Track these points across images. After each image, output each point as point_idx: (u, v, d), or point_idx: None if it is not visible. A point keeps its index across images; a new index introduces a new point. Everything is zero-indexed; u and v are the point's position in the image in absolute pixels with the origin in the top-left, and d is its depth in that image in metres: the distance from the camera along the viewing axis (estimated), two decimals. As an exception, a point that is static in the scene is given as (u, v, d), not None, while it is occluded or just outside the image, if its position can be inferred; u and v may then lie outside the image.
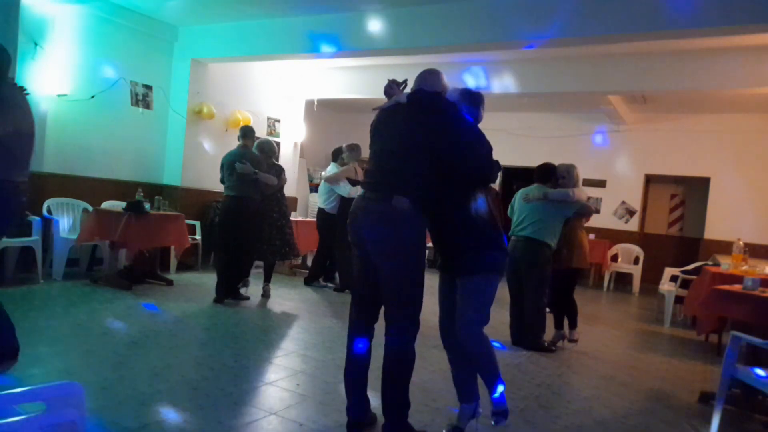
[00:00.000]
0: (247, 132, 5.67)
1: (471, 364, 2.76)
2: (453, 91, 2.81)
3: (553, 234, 4.68)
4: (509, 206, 5.07)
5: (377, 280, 2.63)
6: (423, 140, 2.55)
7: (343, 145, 6.71)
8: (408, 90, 2.88)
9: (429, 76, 2.77)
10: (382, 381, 2.61)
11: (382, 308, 2.71)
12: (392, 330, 2.60)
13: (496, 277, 2.74)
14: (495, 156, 2.72)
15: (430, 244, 2.87)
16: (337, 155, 6.77)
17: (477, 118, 2.79)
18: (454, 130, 2.59)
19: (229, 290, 5.54)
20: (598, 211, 4.95)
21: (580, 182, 4.95)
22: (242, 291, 5.73)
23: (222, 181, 5.60)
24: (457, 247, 2.71)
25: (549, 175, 4.85)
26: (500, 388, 2.71)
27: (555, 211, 4.68)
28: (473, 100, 2.82)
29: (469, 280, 2.68)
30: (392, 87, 2.88)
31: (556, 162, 5.00)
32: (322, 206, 6.72)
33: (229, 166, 5.45)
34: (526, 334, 4.80)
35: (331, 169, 6.67)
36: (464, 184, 2.68)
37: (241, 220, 5.44)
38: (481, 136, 2.67)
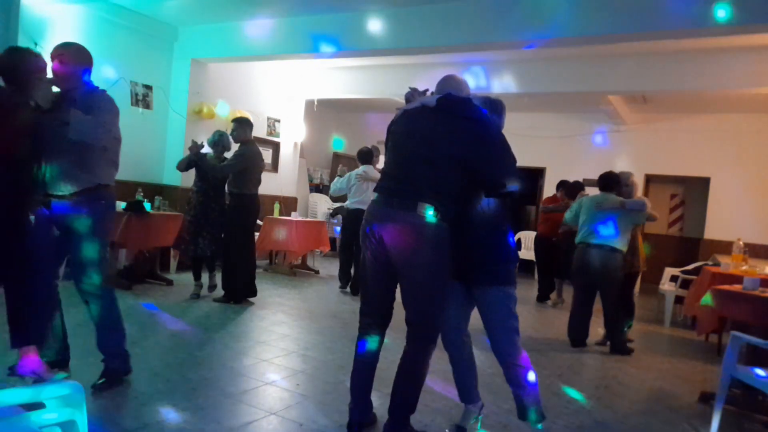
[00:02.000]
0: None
1: (509, 376, 2.71)
2: (474, 99, 2.68)
3: (626, 240, 4.87)
4: (570, 212, 5.33)
5: (389, 286, 2.62)
6: (452, 147, 2.44)
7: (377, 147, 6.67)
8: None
9: (454, 82, 2.68)
10: (394, 387, 2.59)
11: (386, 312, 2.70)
12: (411, 342, 2.57)
13: (514, 288, 2.76)
14: None
15: None
16: (368, 157, 6.59)
17: (499, 127, 2.70)
18: (485, 140, 2.48)
19: (242, 293, 5.49)
20: (655, 218, 5.20)
21: (639, 189, 5.11)
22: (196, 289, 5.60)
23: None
24: (472, 258, 2.67)
25: (614, 183, 5.10)
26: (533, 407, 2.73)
27: (629, 219, 4.88)
28: (495, 108, 2.72)
29: (488, 292, 2.69)
30: (413, 95, 2.79)
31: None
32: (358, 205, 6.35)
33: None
34: (586, 334, 5.04)
35: (365, 169, 6.48)
36: (486, 195, 2.62)
37: (248, 219, 5.44)
38: (509, 149, 2.56)
